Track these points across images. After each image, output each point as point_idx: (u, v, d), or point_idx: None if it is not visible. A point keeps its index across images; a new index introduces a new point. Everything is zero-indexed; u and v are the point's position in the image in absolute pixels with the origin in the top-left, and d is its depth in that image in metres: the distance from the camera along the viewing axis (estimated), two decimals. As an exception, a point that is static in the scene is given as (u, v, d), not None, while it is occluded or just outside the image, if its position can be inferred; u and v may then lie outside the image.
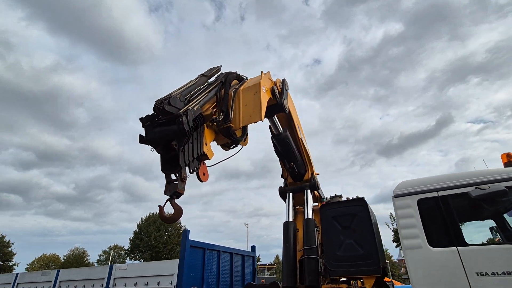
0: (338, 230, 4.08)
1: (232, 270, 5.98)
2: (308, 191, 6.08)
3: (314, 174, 6.49)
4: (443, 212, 3.52)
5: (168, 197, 3.49)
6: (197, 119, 3.79)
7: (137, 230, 38.80)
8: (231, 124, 4.35)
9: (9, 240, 39.76)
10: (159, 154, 3.69)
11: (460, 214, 3.61)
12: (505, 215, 3.65)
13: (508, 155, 3.83)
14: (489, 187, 3.25)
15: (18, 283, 7.69)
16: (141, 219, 39.90)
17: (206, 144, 3.99)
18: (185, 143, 3.58)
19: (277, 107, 5.42)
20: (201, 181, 3.99)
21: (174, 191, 3.46)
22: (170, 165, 3.60)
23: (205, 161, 4.13)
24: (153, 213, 38.79)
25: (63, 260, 47.27)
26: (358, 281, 3.73)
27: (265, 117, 5.61)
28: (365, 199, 4.06)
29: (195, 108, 3.88)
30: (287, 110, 5.49)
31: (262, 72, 5.32)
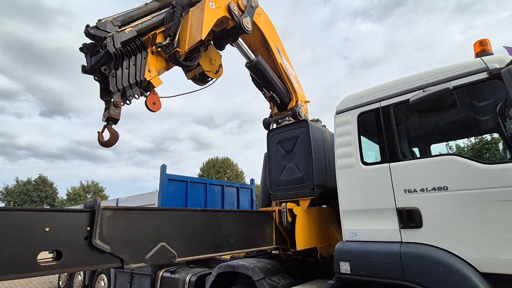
0: (281, 154, 3.81)
1: (223, 201, 6.32)
2: (291, 120, 5.69)
3: (300, 102, 5.96)
4: (382, 126, 2.92)
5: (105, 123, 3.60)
6: (132, 43, 3.65)
7: (200, 173, 43.34)
8: (177, 49, 4.11)
9: (102, 185, 49.71)
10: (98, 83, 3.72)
11: (404, 127, 2.96)
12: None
13: (481, 42, 2.78)
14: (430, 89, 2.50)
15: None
16: (203, 163, 44.02)
17: (149, 71, 3.82)
18: (117, 68, 3.53)
19: (237, 29, 4.86)
20: (150, 110, 4.03)
21: (108, 116, 3.55)
22: (106, 91, 3.64)
23: (155, 90, 4.09)
24: (211, 158, 42.30)
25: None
26: (290, 203, 3.54)
27: (228, 42, 5.18)
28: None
29: (127, 31, 3.73)
30: (249, 29, 4.89)
31: None
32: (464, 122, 2.85)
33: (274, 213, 3.44)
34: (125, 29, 3.72)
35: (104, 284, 6.15)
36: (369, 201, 2.85)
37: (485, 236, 2.21)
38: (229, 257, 4.33)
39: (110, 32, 3.54)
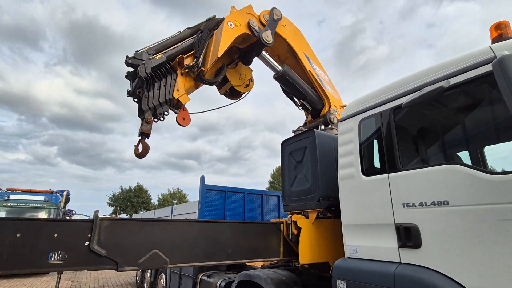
0: (292, 165, 3.74)
1: (263, 210, 6.46)
2: (322, 127, 5.52)
3: (334, 107, 5.72)
4: (382, 132, 2.65)
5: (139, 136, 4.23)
6: (162, 67, 4.22)
7: (271, 180, 44.26)
8: (202, 68, 4.52)
9: (185, 192, 55.66)
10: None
11: (407, 133, 2.60)
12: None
13: (497, 26, 2.24)
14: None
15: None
16: (273, 170, 44.89)
17: (177, 90, 4.31)
18: (148, 90, 4.13)
19: (258, 43, 5.05)
20: (180, 125, 4.55)
21: (140, 131, 4.15)
22: (141, 110, 4.28)
23: (185, 107, 4.59)
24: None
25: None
26: (295, 215, 3.44)
27: (253, 57, 5.41)
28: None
29: (157, 57, 4.34)
30: (269, 42, 5.02)
31: (232, 7, 5.06)
32: (474, 124, 2.35)
33: (282, 225, 3.44)
34: (155, 56, 4.33)
35: (163, 282, 6.97)
36: (368, 215, 2.62)
37: (492, 262, 1.82)
38: (263, 264, 4.44)
39: (144, 60, 4.19)
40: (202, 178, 5.93)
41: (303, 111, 6.13)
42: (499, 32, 2.22)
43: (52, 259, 2.18)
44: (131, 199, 58.09)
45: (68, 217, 20.71)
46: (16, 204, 11.72)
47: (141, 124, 4.21)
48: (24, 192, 12.67)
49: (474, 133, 2.40)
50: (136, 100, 4.32)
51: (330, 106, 5.72)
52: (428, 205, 2.17)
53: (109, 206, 58.66)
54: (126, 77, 4.43)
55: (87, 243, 2.27)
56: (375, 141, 2.72)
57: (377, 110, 2.75)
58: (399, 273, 2.20)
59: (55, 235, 2.18)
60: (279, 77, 5.46)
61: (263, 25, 5.19)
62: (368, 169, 2.72)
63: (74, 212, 28.06)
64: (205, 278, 5.08)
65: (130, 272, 11.74)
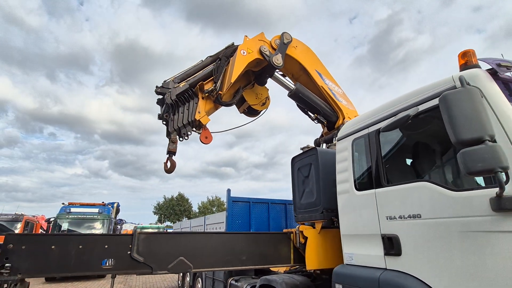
0: (301, 180, 4.13)
1: (286, 218, 6.86)
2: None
3: (348, 119, 5.98)
4: (369, 152, 2.97)
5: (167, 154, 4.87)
6: (185, 94, 4.85)
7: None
8: (219, 92, 5.08)
9: (223, 200, 57.01)
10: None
11: (390, 152, 2.87)
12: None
13: (464, 54, 2.44)
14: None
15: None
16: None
17: (199, 112, 4.89)
18: (173, 114, 4.79)
19: (270, 66, 5.53)
20: (203, 143, 5.16)
21: (168, 150, 4.76)
22: (169, 132, 4.97)
23: (206, 127, 5.18)
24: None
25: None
26: (302, 226, 3.80)
27: (267, 78, 5.91)
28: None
29: (181, 85, 5.02)
30: (279, 65, 5.47)
31: (245, 36, 5.62)
32: (439, 145, 2.58)
33: (292, 234, 3.85)
34: (180, 84, 5.02)
35: (200, 285, 7.64)
36: (361, 226, 2.95)
37: (458, 269, 2.08)
38: (285, 270, 4.85)
39: (170, 89, 4.89)
40: (228, 191, 6.52)
41: (319, 124, 6.47)
42: (465, 60, 2.46)
43: (106, 264, 2.86)
44: (174, 207, 61.13)
45: (119, 226, 22.84)
46: (76, 216, 13.46)
47: (168, 144, 4.88)
48: (82, 205, 14.46)
49: (440, 154, 2.63)
50: (164, 123, 5.03)
51: (344, 118, 5.98)
52: (405, 218, 2.47)
53: (154, 214, 62.40)
54: (157, 103, 5.17)
55: (129, 252, 2.92)
56: (365, 159, 3.05)
57: (366, 131, 3.09)
58: (383, 278, 2.51)
59: (106, 246, 2.87)
60: (293, 95, 5.87)
61: (275, 49, 5.67)
62: (359, 185, 3.05)
63: (124, 221, 30.66)
64: (233, 282, 5.60)
65: (174, 277, 12.75)
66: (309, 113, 6.24)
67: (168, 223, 59.97)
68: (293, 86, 5.85)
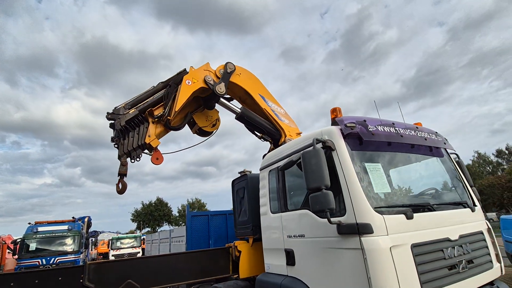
0: (239, 200, 4.86)
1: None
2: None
3: (289, 136, 6.75)
4: (279, 182, 3.73)
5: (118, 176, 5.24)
6: (135, 119, 5.29)
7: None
8: (168, 117, 5.54)
9: (203, 201, 57.39)
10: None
11: (288, 183, 3.64)
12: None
13: (333, 110, 3.26)
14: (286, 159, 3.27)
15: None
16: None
17: (149, 136, 5.34)
18: (123, 138, 5.21)
19: (214, 94, 6.12)
20: (154, 164, 5.63)
21: (119, 172, 5.17)
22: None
23: (157, 148, 5.65)
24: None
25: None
26: (237, 242, 4.55)
27: (214, 103, 6.52)
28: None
29: (131, 111, 5.45)
30: (222, 93, 6.04)
31: (191, 67, 6.19)
32: None
33: (230, 249, 4.56)
34: (130, 111, 5.47)
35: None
36: (273, 242, 3.71)
37: (323, 273, 2.87)
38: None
39: (120, 115, 5.33)
40: (187, 206, 7.13)
41: (266, 142, 7.21)
42: (334, 115, 3.26)
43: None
44: (153, 213, 60.18)
45: (93, 239, 22.59)
46: (44, 235, 13.39)
47: (119, 167, 5.22)
48: (50, 223, 14.36)
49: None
50: (116, 146, 5.46)
51: (285, 136, 6.76)
52: (297, 236, 3.25)
53: (133, 221, 61.13)
54: (110, 126, 5.55)
55: (81, 280, 3.48)
56: (275, 188, 3.80)
57: (276, 165, 3.84)
58: (283, 283, 3.28)
59: (60, 278, 3.40)
60: (239, 118, 6.53)
61: (219, 78, 6.30)
62: (273, 209, 3.80)
63: (99, 232, 30.09)
64: (193, 290, 6.25)
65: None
66: (256, 132, 6.97)
67: (147, 229, 59.12)
68: (239, 111, 6.53)
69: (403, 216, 2.65)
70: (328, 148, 2.92)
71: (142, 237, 26.64)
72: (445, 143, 3.76)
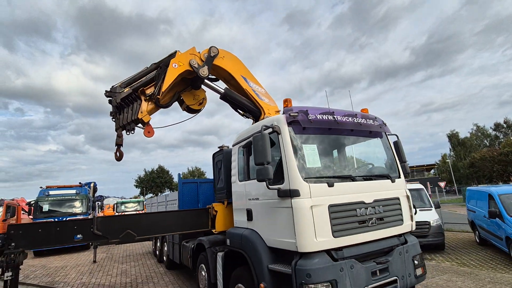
0: (217, 170, 5.83)
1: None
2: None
3: (268, 114, 7.54)
4: (244, 157, 4.64)
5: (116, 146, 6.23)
6: (129, 97, 6.12)
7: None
8: (158, 96, 6.33)
9: (203, 169, 59.17)
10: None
11: (250, 158, 4.54)
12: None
13: (285, 100, 4.05)
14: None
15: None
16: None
17: (141, 112, 6.13)
18: (119, 114, 6.10)
19: (198, 76, 6.81)
20: (146, 137, 6.54)
21: (116, 143, 6.09)
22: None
23: (149, 123, 6.52)
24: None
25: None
26: (214, 203, 5.60)
27: (200, 84, 7.25)
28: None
29: (125, 90, 6.29)
30: (205, 75, 6.69)
31: (178, 51, 6.84)
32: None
33: (210, 209, 5.61)
34: (125, 90, 6.28)
35: (166, 248, 9.55)
36: (240, 203, 4.72)
37: (270, 227, 3.88)
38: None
39: (116, 93, 6.16)
40: (179, 175, 8.14)
41: (249, 119, 8.02)
42: (286, 105, 4.07)
43: (77, 238, 4.46)
44: (155, 180, 62.59)
45: (99, 203, 24.30)
46: (55, 198, 14.77)
47: (116, 138, 6.10)
48: (59, 187, 15.70)
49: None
50: (114, 120, 6.35)
51: (265, 114, 7.55)
52: (254, 199, 4.23)
53: (136, 187, 63.75)
54: (109, 102, 6.40)
55: (91, 229, 4.54)
56: (242, 162, 4.71)
57: (242, 143, 4.72)
58: (244, 233, 4.32)
59: (75, 227, 4.46)
60: (222, 98, 7.28)
61: (203, 61, 6.95)
62: (240, 178, 4.75)
63: (104, 197, 31.97)
64: (185, 243, 7.45)
65: (149, 244, 14.78)
66: (239, 110, 7.75)
67: (150, 195, 61.91)
68: (222, 91, 7.26)
69: (325, 184, 3.58)
70: (276, 132, 3.78)
71: (144, 202, 28.48)
72: (381, 127, 4.59)
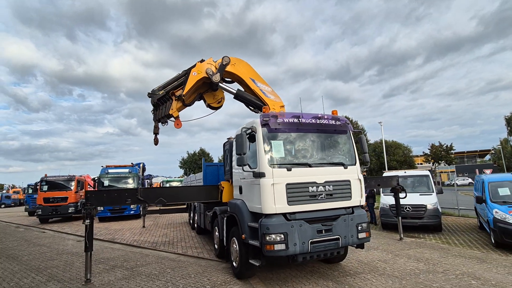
0: (227, 156, 7.60)
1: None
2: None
3: (273, 109, 9.04)
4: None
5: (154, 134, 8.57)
6: (163, 98, 8.34)
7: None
8: (183, 97, 8.44)
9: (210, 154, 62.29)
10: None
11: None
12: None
13: (264, 107, 5.56)
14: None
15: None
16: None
17: (172, 109, 8.30)
18: (156, 111, 8.40)
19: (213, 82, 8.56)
20: (176, 128, 8.66)
21: (154, 131, 8.50)
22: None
23: (178, 117, 8.64)
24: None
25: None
26: (223, 182, 7.42)
27: (215, 89, 9.00)
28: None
29: (160, 93, 8.43)
30: (217, 81, 8.42)
31: (198, 62, 8.64)
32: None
33: (219, 186, 7.48)
34: (160, 92, 8.37)
35: (197, 217, 11.83)
36: (237, 181, 6.48)
37: (250, 198, 5.58)
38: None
39: (155, 94, 8.29)
40: (203, 159, 10.16)
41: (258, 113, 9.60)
42: (264, 110, 5.63)
43: (128, 200, 6.66)
44: (197, 161, 67.42)
45: (148, 181, 28.14)
46: (113, 175, 18.16)
47: (153, 127, 8.47)
48: (116, 167, 19.11)
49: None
50: (153, 114, 8.55)
51: (270, 109, 9.07)
52: (243, 179, 5.95)
53: (180, 168, 69.42)
54: (151, 101, 8.58)
55: (137, 196, 6.69)
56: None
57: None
58: (236, 202, 6.09)
59: (126, 194, 6.64)
60: (235, 97, 8.98)
61: (215, 70, 8.62)
62: (237, 163, 6.47)
63: (152, 176, 36.26)
64: (207, 212, 9.55)
65: (186, 216, 17.56)
66: (250, 107, 9.36)
67: (192, 174, 67.23)
68: (234, 91, 8.92)
69: (285, 169, 5.15)
70: (254, 132, 5.40)
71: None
72: (342, 126, 5.92)
